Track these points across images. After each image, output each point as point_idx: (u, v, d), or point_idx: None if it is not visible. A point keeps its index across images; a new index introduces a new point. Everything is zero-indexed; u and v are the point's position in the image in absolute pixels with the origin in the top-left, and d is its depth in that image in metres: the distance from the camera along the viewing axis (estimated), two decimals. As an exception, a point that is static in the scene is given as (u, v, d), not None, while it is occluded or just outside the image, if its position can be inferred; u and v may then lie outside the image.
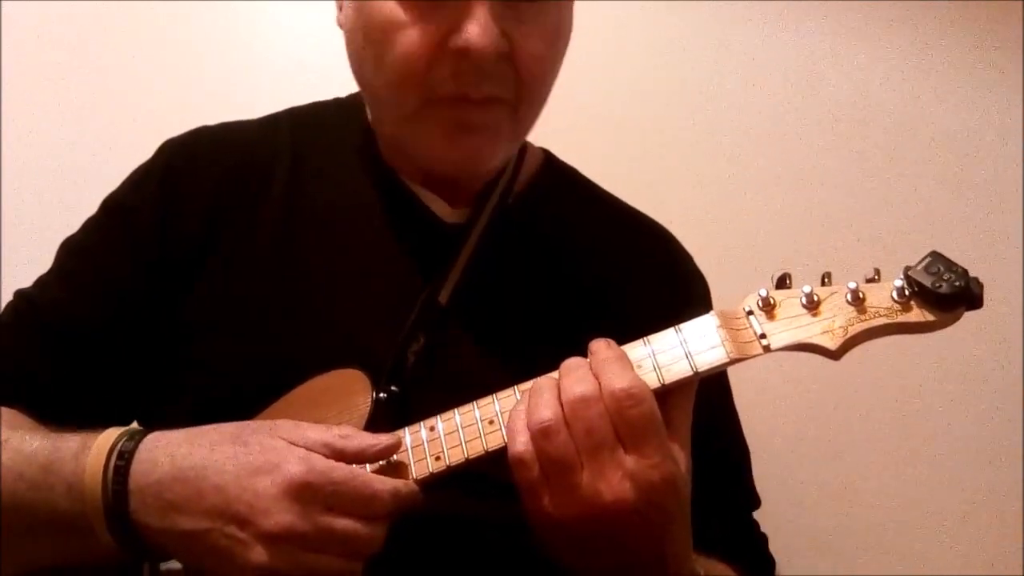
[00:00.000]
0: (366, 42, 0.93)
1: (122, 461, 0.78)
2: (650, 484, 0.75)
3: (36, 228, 1.44)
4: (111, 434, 0.81)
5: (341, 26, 0.98)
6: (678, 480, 0.77)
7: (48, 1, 1.63)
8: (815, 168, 1.76)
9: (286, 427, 0.80)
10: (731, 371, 1.04)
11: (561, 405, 0.76)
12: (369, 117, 1.05)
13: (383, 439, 0.81)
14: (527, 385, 0.82)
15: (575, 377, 0.77)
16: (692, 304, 0.84)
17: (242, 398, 0.89)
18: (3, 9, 1.61)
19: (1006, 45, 1.80)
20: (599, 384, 0.76)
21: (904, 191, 1.74)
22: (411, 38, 0.89)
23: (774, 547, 1.06)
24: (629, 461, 0.75)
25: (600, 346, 0.80)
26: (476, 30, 0.86)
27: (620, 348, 0.80)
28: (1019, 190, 1.75)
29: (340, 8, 0.99)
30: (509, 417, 0.79)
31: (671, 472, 0.76)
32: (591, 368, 0.78)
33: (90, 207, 1.04)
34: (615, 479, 0.74)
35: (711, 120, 1.77)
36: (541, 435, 0.75)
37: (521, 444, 0.76)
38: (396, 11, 0.89)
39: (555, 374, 0.80)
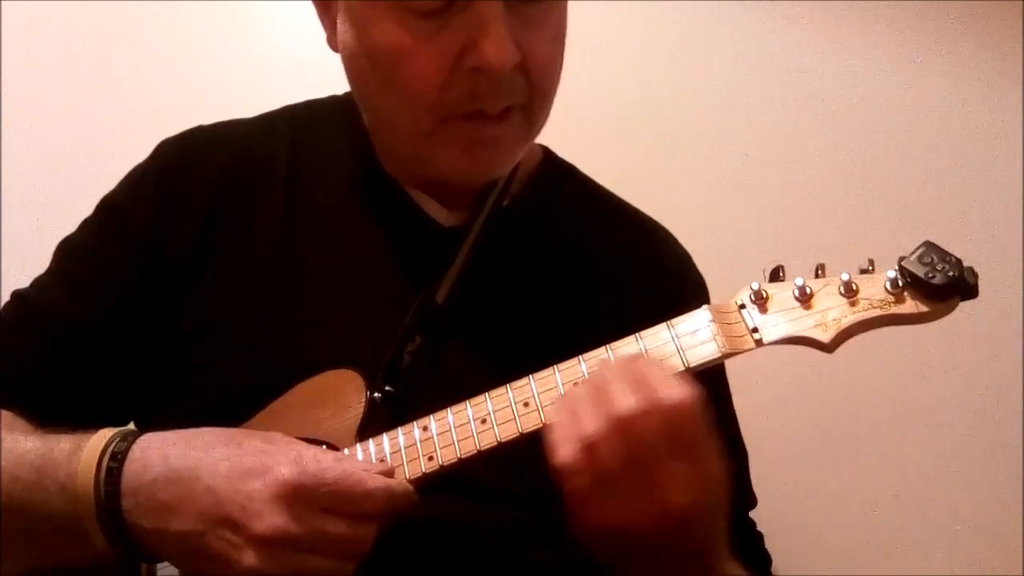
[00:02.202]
0: (372, 67, 0.90)
1: (115, 462, 0.79)
2: (704, 484, 0.74)
3: (34, 228, 1.45)
4: (104, 435, 0.82)
5: (334, 49, 0.96)
6: (722, 474, 0.76)
7: (48, 1, 1.64)
8: (813, 162, 1.76)
9: (284, 438, 0.80)
10: (729, 369, 1.04)
11: (607, 416, 0.73)
12: (366, 122, 1.03)
13: (377, 468, 0.80)
14: (520, 383, 0.82)
15: (621, 390, 0.73)
16: (689, 305, 0.83)
17: (239, 398, 0.90)
18: (3, 9, 1.61)
19: (1006, 45, 1.78)
20: (646, 396, 0.73)
21: (903, 188, 1.74)
22: (422, 61, 0.86)
23: (773, 547, 1.06)
24: (683, 467, 0.73)
25: (641, 357, 0.78)
26: (493, 47, 0.83)
27: (657, 359, 0.79)
28: (1019, 188, 1.73)
29: (332, 31, 0.95)
30: (553, 427, 0.76)
31: (718, 468, 0.76)
32: (630, 374, 0.75)
33: (89, 207, 1.04)
34: (674, 486, 0.73)
35: (708, 115, 1.76)
36: (590, 449, 0.73)
37: (567, 453, 0.74)
38: (402, 34, 0.86)
39: (586, 368, 0.79)
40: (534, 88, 0.90)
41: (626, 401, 0.72)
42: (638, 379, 0.74)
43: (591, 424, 0.73)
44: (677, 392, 0.73)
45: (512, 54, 0.85)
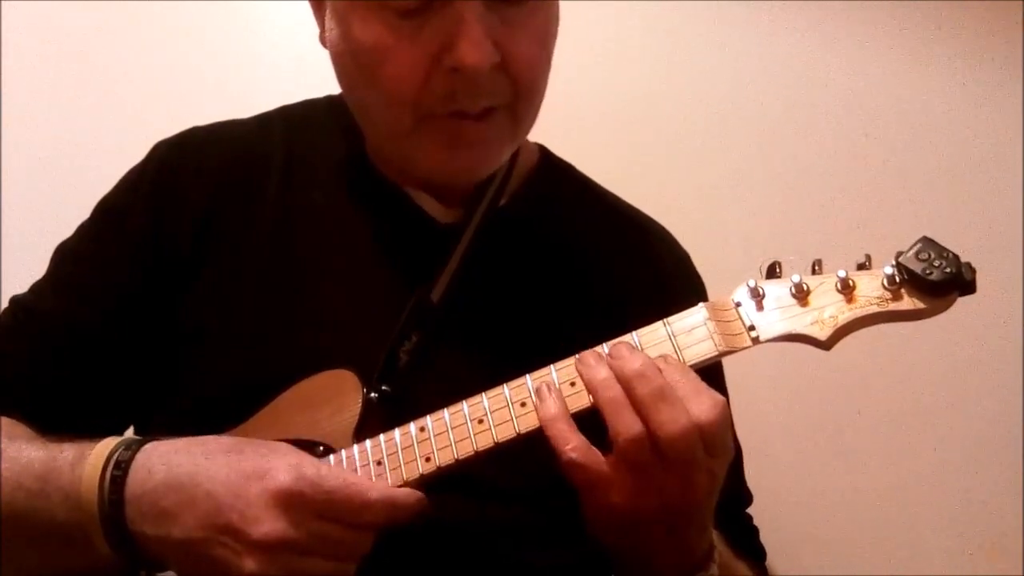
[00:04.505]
0: (355, 66, 0.91)
1: (119, 471, 0.79)
2: (721, 472, 0.80)
3: (33, 231, 1.44)
4: (108, 443, 0.82)
5: (324, 45, 0.96)
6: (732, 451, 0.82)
7: (48, 1, 1.64)
8: (810, 159, 1.75)
9: (285, 447, 0.80)
10: (726, 365, 1.03)
11: (644, 421, 0.76)
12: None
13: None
14: (517, 382, 0.82)
15: (669, 416, 0.75)
16: (687, 305, 0.83)
17: (237, 398, 0.90)
18: (3, 9, 1.61)
19: (1006, 45, 1.77)
20: (685, 417, 0.75)
21: (901, 184, 1.73)
22: (402, 60, 0.86)
23: (772, 546, 1.06)
24: (711, 463, 0.78)
25: (663, 363, 0.79)
26: (468, 48, 0.84)
27: (682, 363, 0.80)
28: (1018, 185, 1.73)
29: (323, 29, 0.96)
30: (550, 425, 0.78)
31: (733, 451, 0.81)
32: (671, 387, 0.76)
33: (87, 209, 1.04)
34: (702, 481, 0.77)
35: (705, 113, 1.75)
36: (632, 448, 0.76)
37: (571, 450, 0.77)
38: (383, 33, 0.86)
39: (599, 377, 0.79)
40: (518, 89, 0.90)
41: (676, 425, 0.74)
42: (669, 395, 0.75)
43: (635, 425, 0.76)
44: (710, 408, 0.75)
45: (489, 55, 0.85)
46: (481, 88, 0.87)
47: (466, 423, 0.81)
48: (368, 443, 0.84)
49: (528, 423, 0.80)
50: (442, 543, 0.87)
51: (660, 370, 0.77)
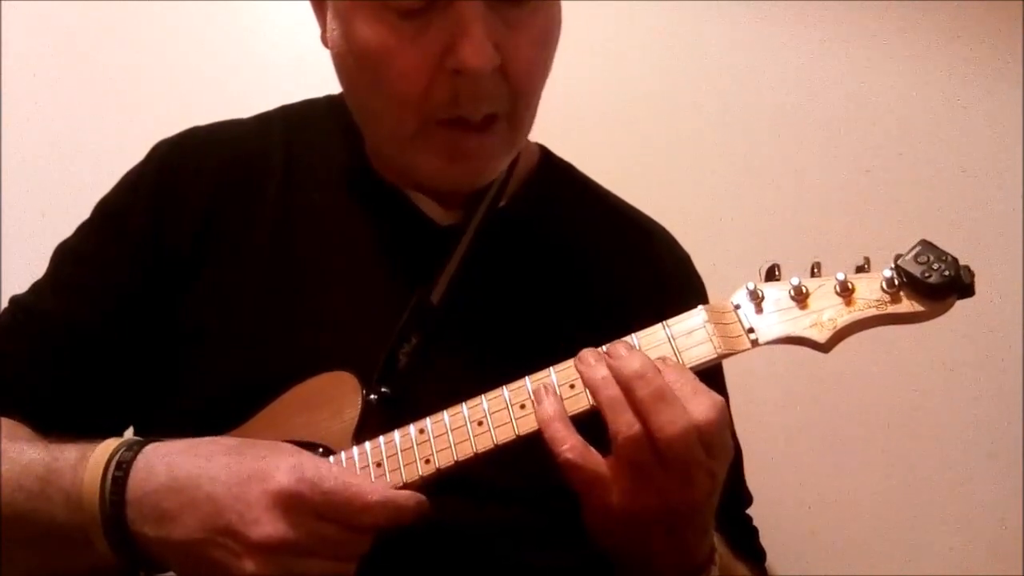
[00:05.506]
0: (358, 67, 0.91)
1: (120, 471, 0.79)
2: (721, 473, 0.79)
3: (33, 231, 1.45)
4: (110, 444, 0.82)
5: (327, 46, 0.96)
6: (731, 453, 0.81)
7: (48, 1, 1.64)
8: (810, 161, 1.75)
9: (287, 448, 0.80)
10: (727, 367, 1.03)
11: (643, 422, 0.75)
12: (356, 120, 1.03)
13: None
14: (516, 385, 0.82)
15: (668, 417, 0.75)
16: (687, 306, 0.83)
17: (237, 398, 0.90)
18: (3, 9, 1.61)
19: (1006, 45, 1.77)
20: (684, 418, 0.75)
21: (901, 187, 1.73)
22: (405, 62, 0.86)
23: (772, 547, 1.06)
24: (710, 463, 0.77)
25: (662, 364, 0.79)
26: (470, 49, 0.83)
27: (681, 364, 0.80)
28: (1018, 187, 1.73)
29: (324, 29, 0.96)
30: (547, 426, 0.78)
31: (732, 452, 0.81)
32: (670, 388, 0.76)
33: (87, 208, 1.04)
34: (701, 481, 0.77)
35: (705, 114, 1.75)
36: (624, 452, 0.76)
37: (567, 451, 0.77)
38: (386, 35, 0.86)
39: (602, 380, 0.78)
40: (516, 93, 0.90)
41: (675, 426, 0.74)
42: (668, 396, 0.75)
43: (635, 425, 0.75)
44: (709, 408, 0.75)
45: (491, 56, 0.85)
46: (483, 91, 0.87)
47: (465, 425, 0.81)
48: (368, 445, 0.84)
49: (527, 425, 0.80)
50: (442, 544, 0.86)
51: (659, 371, 0.77)
